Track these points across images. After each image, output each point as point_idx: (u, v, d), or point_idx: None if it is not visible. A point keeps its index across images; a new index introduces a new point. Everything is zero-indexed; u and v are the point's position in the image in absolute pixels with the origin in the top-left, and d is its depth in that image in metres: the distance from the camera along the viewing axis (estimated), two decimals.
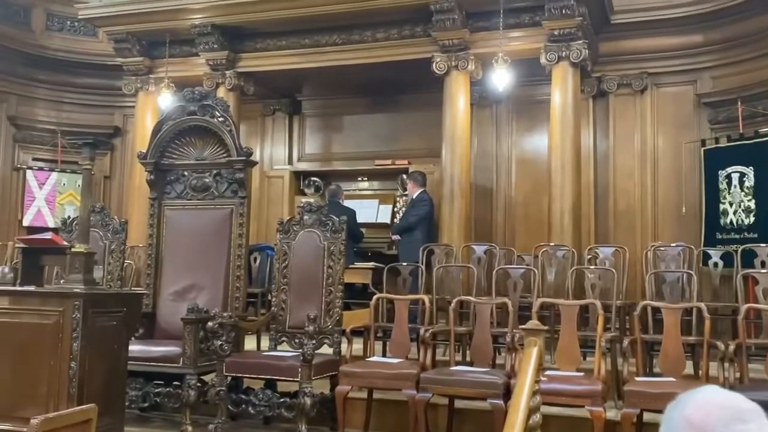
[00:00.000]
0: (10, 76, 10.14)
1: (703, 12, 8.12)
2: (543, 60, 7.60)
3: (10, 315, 3.95)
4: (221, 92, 8.41)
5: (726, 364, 4.46)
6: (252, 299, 7.45)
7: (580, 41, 7.49)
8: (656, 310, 5.19)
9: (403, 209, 8.97)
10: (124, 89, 9.45)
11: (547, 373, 4.22)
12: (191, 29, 8.57)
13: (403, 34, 8.14)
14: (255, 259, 8.24)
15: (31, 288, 4.09)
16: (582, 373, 4.65)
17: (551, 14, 7.37)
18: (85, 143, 4.17)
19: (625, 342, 4.81)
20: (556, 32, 7.47)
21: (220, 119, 5.61)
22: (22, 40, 10.13)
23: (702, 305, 4.92)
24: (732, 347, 4.48)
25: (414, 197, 8.24)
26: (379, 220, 9.21)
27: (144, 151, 5.86)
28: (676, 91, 8.49)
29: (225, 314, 4.93)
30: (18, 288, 4.12)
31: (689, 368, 5.24)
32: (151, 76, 9.21)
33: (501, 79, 7.44)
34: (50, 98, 10.53)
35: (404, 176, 9.11)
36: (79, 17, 9.39)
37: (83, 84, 10.56)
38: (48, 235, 4.49)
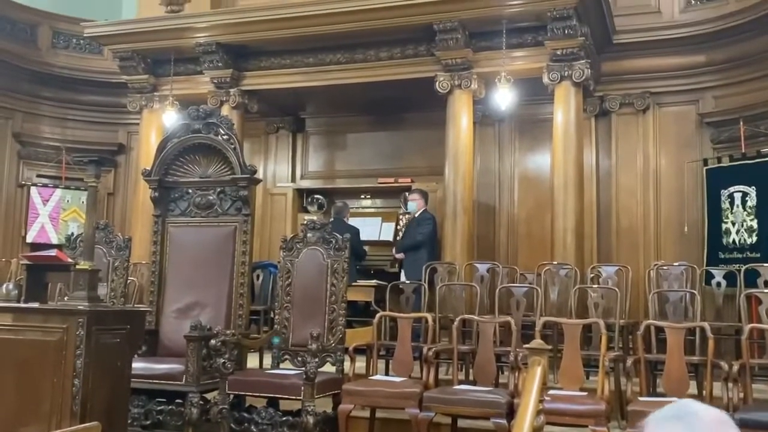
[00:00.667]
0: (15, 93, 10.22)
1: (705, 32, 8.18)
2: (545, 79, 7.63)
3: (14, 332, 3.94)
4: (225, 110, 8.46)
5: (730, 385, 4.45)
6: (255, 317, 7.45)
7: (583, 61, 7.53)
8: (659, 330, 5.18)
9: (404, 228, 8.98)
10: (128, 106, 9.50)
11: (551, 392, 4.21)
12: (196, 48, 8.63)
13: (406, 53, 8.19)
14: (258, 276, 8.24)
15: (35, 305, 4.10)
16: (585, 393, 4.64)
17: (554, 34, 7.41)
18: (91, 161, 4.19)
19: (629, 361, 4.80)
20: (558, 52, 7.51)
21: (225, 137, 5.63)
22: (28, 58, 10.22)
23: (705, 325, 4.91)
24: (736, 367, 4.47)
25: (417, 215, 8.26)
26: (381, 238, 9.22)
27: (148, 168, 5.88)
28: (678, 111, 8.52)
29: (228, 332, 4.92)
30: (22, 305, 4.12)
31: (693, 388, 5.21)
32: (155, 93, 9.26)
33: (504, 98, 7.50)
34: (55, 115, 10.61)
35: (407, 194, 9.13)
36: (85, 35, 9.46)
37: (88, 101, 10.63)
38: (53, 252, 4.50)
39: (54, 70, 10.37)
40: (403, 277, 7.93)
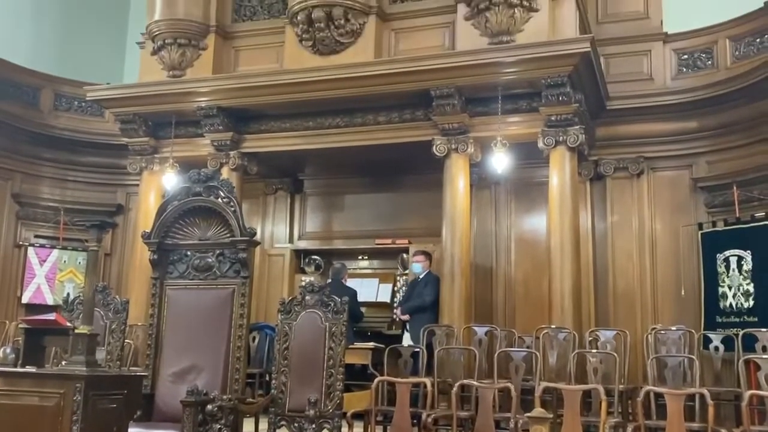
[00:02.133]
0: (16, 154, 10.31)
1: (697, 99, 8.36)
2: (540, 144, 7.75)
3: (11, 396, 3.90)
4: (225, 172, 8.55)
5: None
6: (250, 380, 7.38)
7: (577, 126, 7.66)
8: (659, 395, 5.15)
9: (404, 288, 8.98)
10: (128, 168, 9.57)
11: None
12: (197, 111, 8.77)
13: (404, 117, 8.33)
14: (254, 338, 8.19)
15: (33, 369, 4.07)
16: None
17: (548, 101, 7.56)
18: (93, 225, 4.22)
19: (629, 429, 4.75)
20: (553, 118, 7.65)
21: (225, 200, 5.66)
22: (29, 119, 10.34)
23: (705, 391, 4.88)
24: None
25: (422, 276, 8.26)
26: (379, 299, 9.21)
27: (148, 231, 5.90)
28: (672, 175, 8.64)
29: (225, 397, 4.86)
30: (19, 369, 4.09)
31: None
32: (155, 155, 9.35)
33: (500, 162, 7.60)
34: (55, 176, 10.68)
35: (404, 255, 9.16)
36: (87, 98, 9.59)
37: (88, 162, 10.73)
38: (52, 316, 4.48)
39: (55, 131, 10.48)
40: (407, 339, 7.89)
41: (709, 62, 8.59)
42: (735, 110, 8.17)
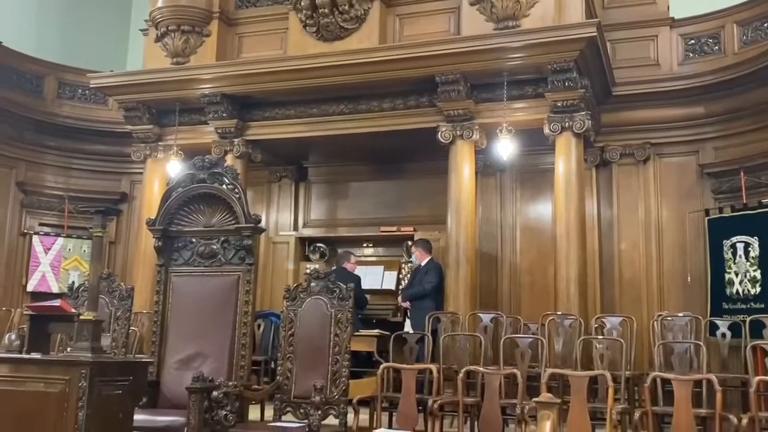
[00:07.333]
0: (19, 142, 10.29)
1: (704, 84, 8.30)
2: (546, 130, 7.70)
3: (16, 383, 3.90)
4: (229, 159, 8.53)
5: None
6: (255, 367, 7.38)
7: (583, 112, 7.61)
8: (665, 381, 5.13)
9: (408, 276, 8.96)
10: (132, 156, 9.57)
11: None
12: (201, 98, 8.73)
13: (408, 104, 8.28)
14: (259, 326, 8.19)
15: (38, 356, 4.06)
16: None
17: (554, 86, 7.51)
18: (98, 211, 4.20)
19: (636, 415, 4.74)
20: (559, 104, 7.59)
21: (230, 187, 5.64)
22: (33, 108, 10.33)
23: (713, 377, 4.87)
24: (745, 420, 4.41)
25: (423, 264, 8.25)
26: (384, 287, 9.19)
27: (153, 218, 5.88)
28: (678, 162, 8.58)
29: (230, 383, 4.86)
30: (24, 356, 4.08)
31: None
32: (159, 143, 9.33)
33: (505, 148, 7.56)
34: (59, 164, 10.67)
35: (409, 243, 9.14)
36: (91, 86, 9.57)
37: (91, 150, 10.71)
38: (57, 302, 4.47)
39: (59, 119, 10.47)
40: (408, 327, 7.89)
41: (716, 47, 8.51)
42: (742, 95, 8.10)
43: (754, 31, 8.24)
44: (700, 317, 6.97)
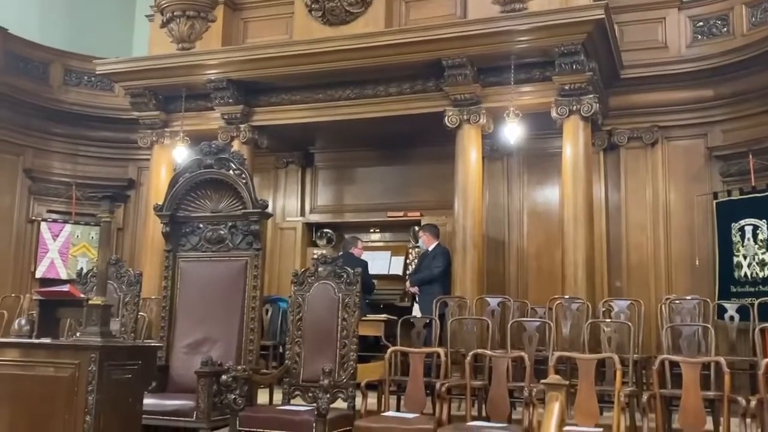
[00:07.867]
0: (26, 129, 10.31)
1: (712, 67, 8.24)
2: (554, 114, 7.67)
3: (26, 368, 3.92)
4: (235, 145, 8.50)
5: (748, 420, 4.39)
6: (264, 352, 7.41)
7: (591, 96, 7.57)
8: (673, 364, 5.13)
9: (415, 261, 8.97)
10: (139, 142, 9.58)
11: (566, 428, 4.15)
12: (207, 84, 8.72)
13: (415, 88, 8.25)
14: (267, 311, 8.22)
15: (47, 340, 4.08)
16: (601, 429, 4.57)
17: (561, 69, 7.46)
18: (105, 196, 4.21)
19: (644, 397, 4.74)
20: (566, 87, 7.55)
21: (236, 172, 5.65)
22: (40, 94, 10.33)
23: (721, 359, 4.86)
24: (753, 403, 4.41)
25: (430, 249, 8.25)
26: (391, 272, 9.20)
27: (160, 203, 5.90)
28: (687, 145, 8.54)
29: (239, 367, 4.88)
30: (34, 340, 4.11)
31: (709, 424, 5.15)
32: (166, 129, 9.34)
33: (512, 132, 7.53)
34: (66, 151, 10.69)
35: (416, 228, 9.14)
36: (97, 72, 9.56)
37: (98, 137, 10.73)
38: (66, 288, 4.49)
39: (65, 106, 10.48)
40: (416, 311, 7.90)
41: (725, 29, 8.44)
42: (751, 78, 8.04)
43: (764, 12, 8.15)
44: (708, 300, 6.95)
